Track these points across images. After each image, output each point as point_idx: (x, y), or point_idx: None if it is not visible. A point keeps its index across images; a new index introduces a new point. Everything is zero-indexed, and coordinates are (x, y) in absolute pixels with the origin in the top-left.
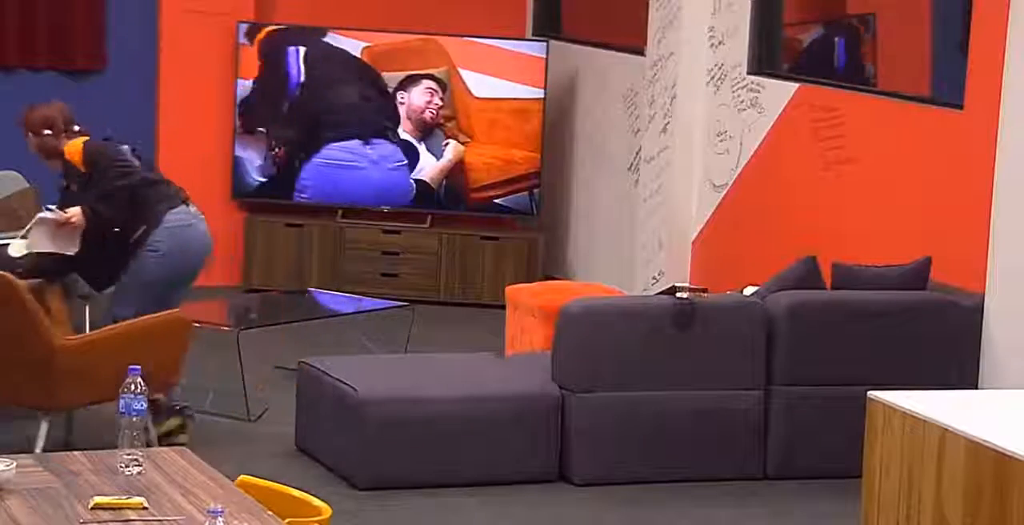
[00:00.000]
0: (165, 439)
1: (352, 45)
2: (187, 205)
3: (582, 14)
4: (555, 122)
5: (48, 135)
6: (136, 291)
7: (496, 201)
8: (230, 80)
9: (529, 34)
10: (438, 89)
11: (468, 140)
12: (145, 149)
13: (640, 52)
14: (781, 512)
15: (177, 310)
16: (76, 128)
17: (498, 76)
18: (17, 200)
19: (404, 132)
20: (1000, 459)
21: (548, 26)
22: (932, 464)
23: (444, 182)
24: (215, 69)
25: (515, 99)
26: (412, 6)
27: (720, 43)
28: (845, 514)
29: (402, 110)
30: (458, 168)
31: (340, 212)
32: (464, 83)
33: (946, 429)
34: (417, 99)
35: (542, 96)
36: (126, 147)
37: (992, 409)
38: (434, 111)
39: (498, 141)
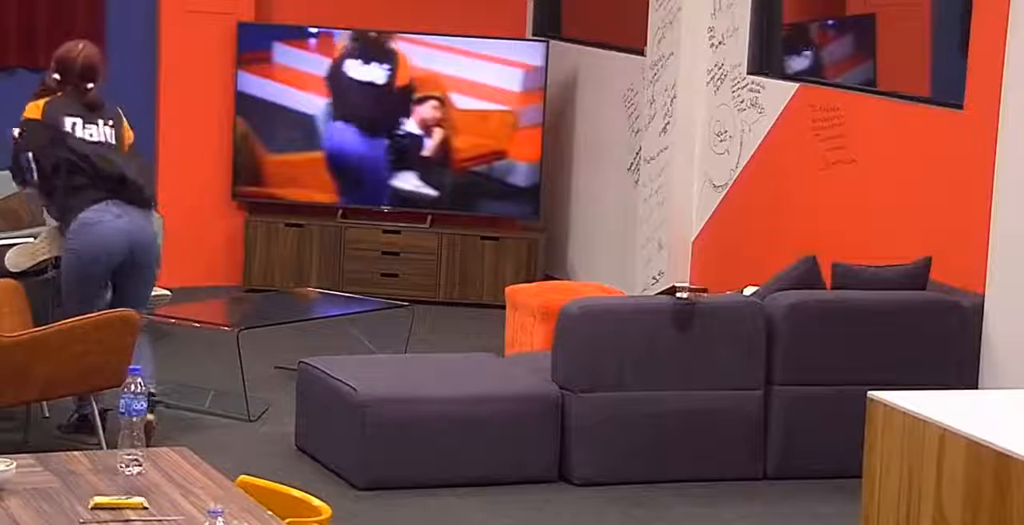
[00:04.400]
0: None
1: (377, 75)
2: (108, 203)
3: (582, 14)
4: (555, 122)
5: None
6: (65, 288)
7: (474, 170)
8: (230, 80)
9: (529, 34)
10: (439, 105)
11: (453, 132)
12: (145, 149)
13: (640, 52)
14: (781, 512)
15: (126, 308)
16: (88, 86)
17: (476, 97)
18: (17, 200)
19: (416, 128)
20: (1000, 459)
21: (548, 26)
22: (932, 464)
23: (439, 156)
24: (215, 69)
25: (485, 111)
26: (412, 6)
27: (720, 43)
28: (845, 514)
29: (415, 118)
30: (446, 147)
31: (340, 212)
32: (452, 101)
33: (946, 429)
34: (425, 112)
35: (508, 109)
36: (89, 134)
37: (992, 409)
38: (436, 117)
39: (473, 133)
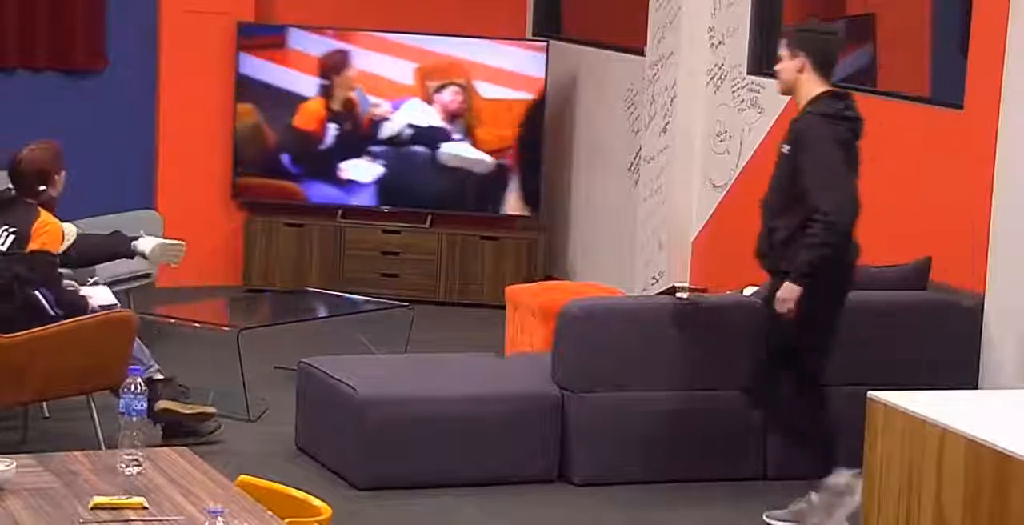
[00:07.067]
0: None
1: (404, 65)
2: None
3: (582, 14)
4: (555, 122)
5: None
6: None
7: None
8: (230, 80)
9: (529, 34)
10: (460, 91)
11: (478, 123)
12: (145, 149)
13: (640, 52)
14: None
15: (123, 309)
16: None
17: (501, 84)
18: None
19: (439, 121)
20: (1000, 459)
21: (548, 26)
22: (932, 464)
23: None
24: (215, 69)
25: (512, 100)
26: (412, 6)
27: (720, 43)
28: None
29: (437, 107)
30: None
31: (340, 212)
32: (475, 89)
33: (946, 429)
34: (447, 98)
35: (533, 98)
36: None
37: (992, 409)
38: (458, 105)
39: (498, 124)
